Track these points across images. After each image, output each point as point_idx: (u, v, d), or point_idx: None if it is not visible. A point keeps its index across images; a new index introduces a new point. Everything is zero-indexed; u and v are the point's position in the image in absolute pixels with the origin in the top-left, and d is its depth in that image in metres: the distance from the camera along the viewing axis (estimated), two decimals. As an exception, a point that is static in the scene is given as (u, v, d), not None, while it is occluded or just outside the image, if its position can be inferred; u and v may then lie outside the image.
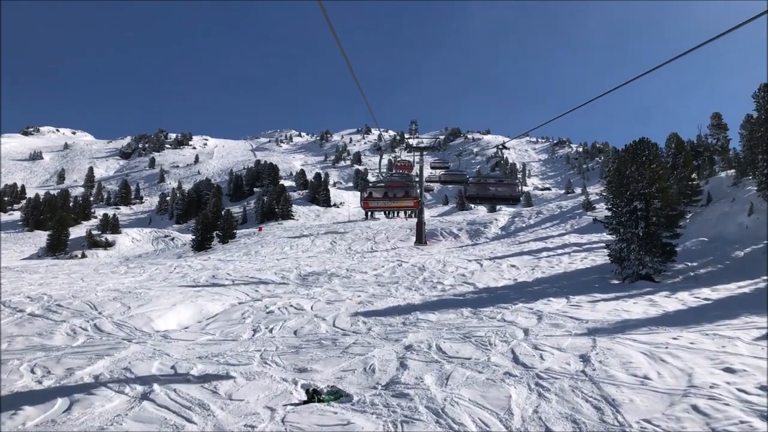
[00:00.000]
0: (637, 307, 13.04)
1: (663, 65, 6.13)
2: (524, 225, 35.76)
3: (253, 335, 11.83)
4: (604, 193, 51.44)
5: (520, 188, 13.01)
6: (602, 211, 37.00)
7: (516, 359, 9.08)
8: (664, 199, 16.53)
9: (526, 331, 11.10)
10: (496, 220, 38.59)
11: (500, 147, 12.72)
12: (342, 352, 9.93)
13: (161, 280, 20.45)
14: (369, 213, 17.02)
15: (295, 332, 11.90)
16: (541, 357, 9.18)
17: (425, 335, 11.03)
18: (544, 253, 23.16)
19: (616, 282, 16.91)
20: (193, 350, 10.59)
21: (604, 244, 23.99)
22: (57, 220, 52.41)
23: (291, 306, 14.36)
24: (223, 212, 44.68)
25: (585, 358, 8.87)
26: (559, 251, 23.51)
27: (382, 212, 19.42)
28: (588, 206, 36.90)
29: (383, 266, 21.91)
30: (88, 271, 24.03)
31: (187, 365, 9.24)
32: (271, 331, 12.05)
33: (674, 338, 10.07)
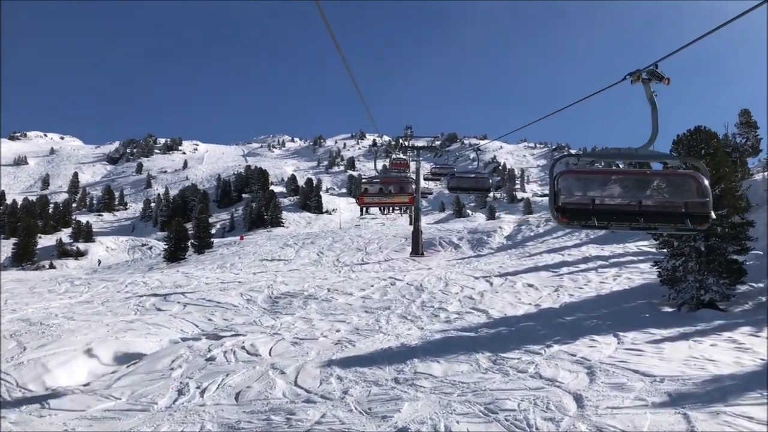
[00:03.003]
0: (720, 353, 9.36)
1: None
2: (532, 234, 32.09)
3: (175, 401, 8.05)
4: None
5: (707, 197, 5.08)
6: (618, 218, 33.42)
7: (577, 461, 5.46)
8: (731, 204, 12.91)
9: (577, 399, 7.41)
10: (500, 228, 34.97)
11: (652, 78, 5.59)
12: (298, 441, 6.23)
13: (100, 303, 16.64)
14: (364, 209, 17.35)
15: (236, 396, 8.13)
16: (617, 455, 5.56)
17: (427, 406, 7.32)
18: (565, 269, 19.47)
19: (669, 310, 13.23)
20: (70, 434, 6.86)
21: (635, 258, 20.40)
22: (24, 227, 48.29)
23: (242, 348, 10.56)
24: (195, 220, 40.75)
25: (688, 458, 5.27)
26: (582, 266, 19.83)
27: (378, 208, 18.43)
28: (603, 213, 33.14)
29: (373, 285, 18.17)
30: (22, 290, 20.15)
31: (39, 473, 5.52)
32: (202, 393, 8.26)
33: (811, 414, 6.46)
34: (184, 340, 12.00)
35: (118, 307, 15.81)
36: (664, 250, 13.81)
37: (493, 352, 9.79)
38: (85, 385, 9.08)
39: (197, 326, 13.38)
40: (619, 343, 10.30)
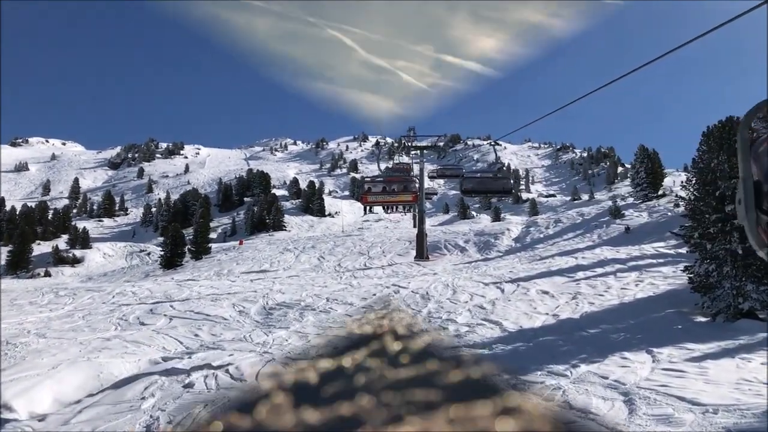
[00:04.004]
0: (776, 374, 8.10)
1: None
2: (542, 236, 30.79)
3: (141, 441, 6.84)
4: (630, 197, 46.38)
5: None
6: (632, 218, 32.03)
7: None
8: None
9: (618, 437, 6.18)
10: (507, 230, 33.66)
11: None
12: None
13: (81, 317, 15.46)
14: (367, 208, 16.67)
15: (213, 434, 6.91)
16: None
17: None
18: (581, 273, 18.19)
19: (703, 320, 11.96)
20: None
21: (654, 261, 19.13)
22: (19, 234, 47.25)
23: (226, 372, 9.33)
24: (196, 224, 39.65)
25: None
26: (599, 270, 18.55)
27: (381, 207, 18.24)
28: (616, 213, 31.93)
29: (375, 293, 16.95)
30: (2, 302, 19.01)
31: None
32: (173, 430, 7.06)
33: None
34: (164, 360, 10.79)
35: (99, 321, 14.63)
36: (695, 254, 12.54)
37: (512, 375, 8.50)
38: (40, 420, 7.86)
39: (181, 343, 12.18)
40: (654, 361, 9.04)
